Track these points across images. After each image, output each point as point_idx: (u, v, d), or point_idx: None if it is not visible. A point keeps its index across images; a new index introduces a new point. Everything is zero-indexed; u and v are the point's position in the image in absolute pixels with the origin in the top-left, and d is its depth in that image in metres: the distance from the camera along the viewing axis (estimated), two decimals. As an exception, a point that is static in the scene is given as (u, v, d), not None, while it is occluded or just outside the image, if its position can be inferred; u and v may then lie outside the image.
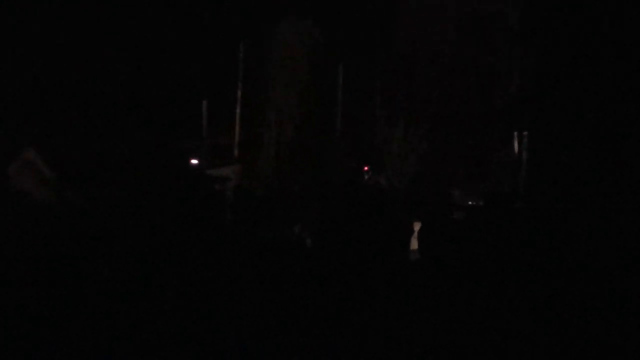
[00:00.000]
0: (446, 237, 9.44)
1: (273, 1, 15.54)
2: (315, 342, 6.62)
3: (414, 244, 9.51)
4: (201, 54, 15.42)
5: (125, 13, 15.32)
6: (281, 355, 6.24)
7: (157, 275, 7.60)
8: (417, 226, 9.59)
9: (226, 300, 7.24)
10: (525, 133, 14.35)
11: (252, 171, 14.41)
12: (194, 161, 14.00)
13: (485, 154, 15.13)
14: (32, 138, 12.55)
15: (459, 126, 15.41)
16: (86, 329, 5.94)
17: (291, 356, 6.27)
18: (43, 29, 14.91)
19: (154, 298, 6.98)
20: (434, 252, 9.15)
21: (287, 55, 14.88)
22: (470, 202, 13.09)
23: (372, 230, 9.67)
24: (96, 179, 11.26)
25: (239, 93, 15.36)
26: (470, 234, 9.55)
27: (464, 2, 16.45)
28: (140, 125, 14.34)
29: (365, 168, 14.41)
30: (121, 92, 14.92)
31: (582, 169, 11.91)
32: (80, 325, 5.99)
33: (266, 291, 7.62)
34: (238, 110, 15.33)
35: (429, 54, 16.08)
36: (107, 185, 10.79)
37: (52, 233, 8.02)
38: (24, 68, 14.42)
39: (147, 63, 14.84)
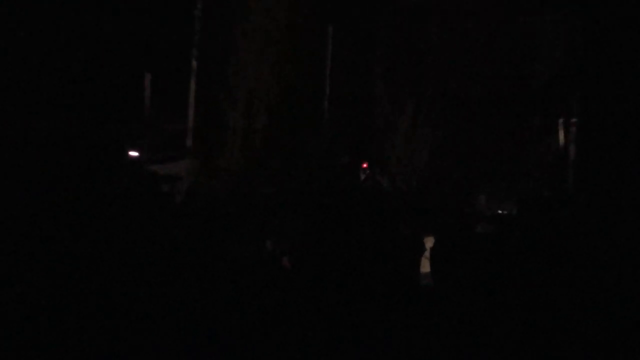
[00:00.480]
0: (468, 257, 9.77)
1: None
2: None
3: (425, 266, 9.88)
4: (142, 9, 15.50)
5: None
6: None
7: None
8: (429, 242, 9.98)
9: (173, 339, 7.54)
10: (572, 120, 14.69)
11: (211, 168, 14.66)
12: (133, 153, 14.27)
13: (519, 148, 15.34)
14: None
15: (485, 111, 15.52)
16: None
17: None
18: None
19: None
20: (451, 277, 9.49)
21: (259, 12, 15.14)
22: (500, 211, 13.47)
23: (370, 247, 9.98)
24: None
25: (194, 63, 15.65)
26: (500, 254, 9.98)
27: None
28: (57, 105, 14.16)
29: (363, 165, 14.68)
30: (32, 62, 14.89)
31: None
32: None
33: (227, 328, 7.88)
34: (192, 86, 15.59)
35: (445, 14, 16.17)
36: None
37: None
38: None
39: (67, 20, 15.05)
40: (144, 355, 7.41)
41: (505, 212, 13.12)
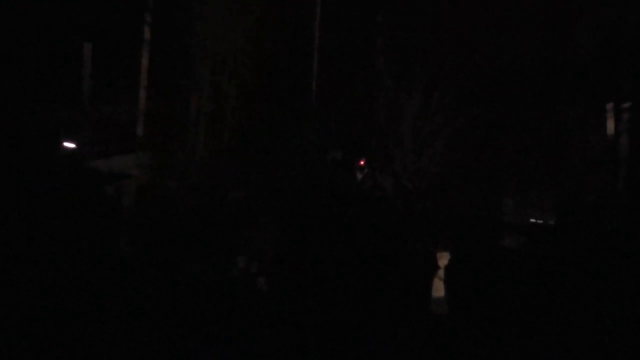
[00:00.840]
0: (491, 278, 9.87)
1: None
2: None
3: (439, 290, 10.13)
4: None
5: None
6: None
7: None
8: (443, 259, 10.19)
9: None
10: (624, 105, 14.78)
11: (169, 164, 14.66)
12: (69, 145, 14.24)
13: (558, 140, 15.48)
14: None
15: (514, 93, 15.66)
16: None
17: None
18: None
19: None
20: (470, 304, 9.71)
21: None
22: (532, 220, 13.78)
23: (369, 266, 10.17)
24: None
25: (147, 33, 15.69)
26: (533, 275, 10.10)
27: None
28: None
29: (360, 162, 14.58)
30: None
31: None
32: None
33: None
34: (145, 63, 15.69)
35: None
36: None
37: None
38: None
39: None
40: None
41: (539, 221, 13.34)
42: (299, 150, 15.24)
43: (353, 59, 16.37)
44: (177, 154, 15.01)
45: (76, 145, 14.84)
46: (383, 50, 15.73)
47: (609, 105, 15.25)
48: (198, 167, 14.40)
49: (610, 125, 15.27)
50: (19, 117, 14.30)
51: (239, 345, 8.84)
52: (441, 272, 10.23)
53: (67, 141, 14.34)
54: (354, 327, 9.19)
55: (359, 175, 14.47)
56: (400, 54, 15.54)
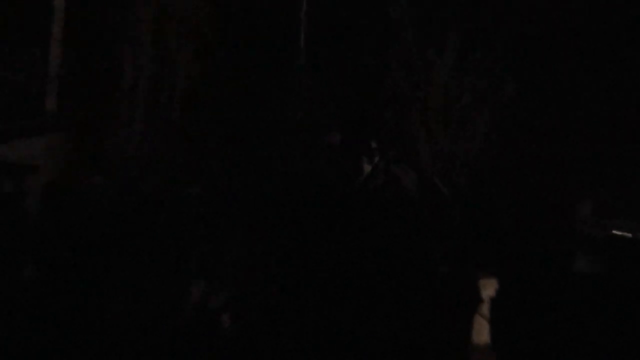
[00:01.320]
0: (559, 316, 9.75)
1: None
2: None
3: (482, 332, 9.98)
4: None
5: None
6: None
7: None
8: (489, 289, 10.05)
9: None
10: None
11: (94, 150, 14.63)
12: None
13: None
14: None
15: (587, 58, 15.85)
16: None
17: None
18: None
19: None
20: (527, 353, 9.62)
21: None
22: (616, 232, 13.31)
23: (382, 296, 9.94)
24: None
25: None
26: (618, 311, 9.94)
27: None
28: None
29: (368, 148, 14.24)
30: None
31: None
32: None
33: None
34: (59, 5, 15.78)
35: None
36: None
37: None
38: None
39: None
40: None
41: (627, 234, 12.91)
42: (281, 131, 15.20)
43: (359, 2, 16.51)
44: (108, 138, 14.96)
45: None
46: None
47: None
48: (134, 155, 14.37)
49: None
50: None
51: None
52: (486, 307, 9.76)
53: None
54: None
55: (367, 167, 14.39)
56: None
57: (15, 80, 15.47)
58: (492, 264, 10.41)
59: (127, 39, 14.89)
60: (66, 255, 11.01)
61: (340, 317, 9.58)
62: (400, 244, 10.88)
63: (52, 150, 14.29)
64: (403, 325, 9.70)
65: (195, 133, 15.04)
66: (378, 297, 9.88)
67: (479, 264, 10.52)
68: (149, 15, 14.74)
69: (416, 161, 14.49)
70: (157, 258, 10.81)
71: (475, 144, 14.56)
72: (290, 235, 10.73)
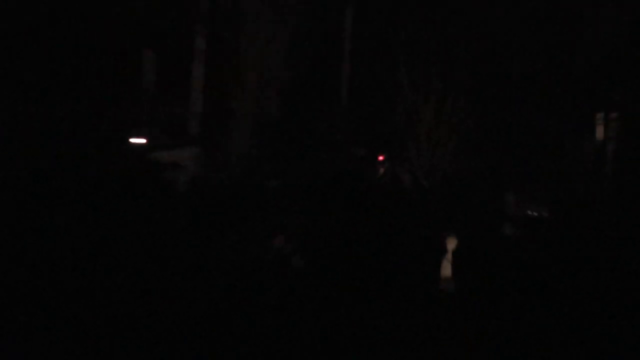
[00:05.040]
0: (493, 259, 10.12)
1: None
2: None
3: (447, 269, 9.98)
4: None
5: None
6: None
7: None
8: (451, 244, 10.08)
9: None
10: (613, 115, 14.67)
11: (217, 157, 14.64)
12: (139, 141, 14.47)
13: (554, 143, 15.35)
14: None
15: (517, 102, 15.61)
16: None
17: None
18: None
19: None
20: (475, 281, 9.72)
21: None
22: (529, 212, 13.46)
23: (388, 247, 10.28)
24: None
25: (200, 42, 15.61)
26: (529, 260, 10.32)
27: None
28: (50, 89, 14.30)
29: (380, 157, 14.63)
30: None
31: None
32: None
33: (235, 336, 7.84)
34: (200, 69, 15.58)
35: None
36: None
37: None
38: None
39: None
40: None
41: (535, 213, 13.19)
42: (331, 147, 15.28)
43: (378, 69, 16.19)
44: (225, 148, 14.83)
45: (146, 140, 14.77)
46: (404, 63, 15.51)
47: (599, 115, 15.05)
48: (241, 161, 14.52)
49: (600, 132, 15.10)
50: (92, 119, 13.94)
51: (275, 317, 8.49)
52: (449, 255, 10.09)
53: (137, 138, 14.60)
54: (374, 294, 9.04)
55: (381, 170, 14.77)
56: (418, 65, 15.34)
57: (173, 113, 15.43)
58: (454, 229, 10.46)
59: (238, 90, 14.69)
60: (201, 217, 11.17)
61: (367, 258, 9.83)
62: (399, 217, 11.37)
63: (194, 157, 14.20)
64: (403, 262, 9.91)
65: (279, 147, 14.85)
66: (387, 245, 10.25)
67: (446, 228, 10.63)
68: (251, 76, 14.57)
69: (410, 167, 14.43)
70: (255, 222, 10.96)
71: (447, 158, 14.28)
72: (334, 209, 11.22)
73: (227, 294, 9.01)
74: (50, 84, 14.29)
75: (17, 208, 10.48)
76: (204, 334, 7.81)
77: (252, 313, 8.42)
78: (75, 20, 14.72)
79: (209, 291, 8.97)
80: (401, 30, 15.58)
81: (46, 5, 14.55)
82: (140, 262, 9.45)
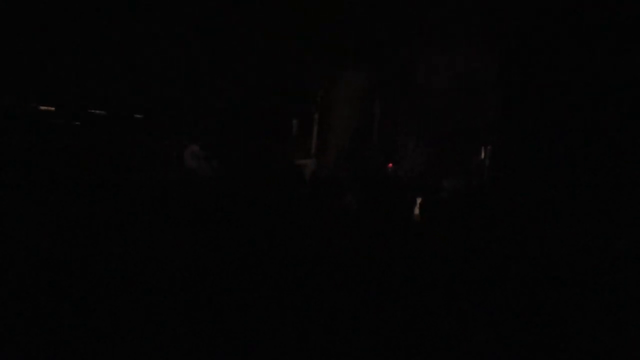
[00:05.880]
0: (437, 205, 11.66)
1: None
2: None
3: (417, 211, 11.68)
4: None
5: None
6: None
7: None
8: (420, 205, 11.91)
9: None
10: (488, 147, 16.48)
11: (321, 164, 17.59)
12: (305, 161, 16.27)
13: (464, 159, 17.38)
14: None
15: (450, 139, 17.50)
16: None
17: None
18: None
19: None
20: (431, 215, 11.42)
21: (351, 93, 18.00)
22: (449, 186, 14.86)
23: (391, 202, 11.65)
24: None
25: (316, 116, 18.90)
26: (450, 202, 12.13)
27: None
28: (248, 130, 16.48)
29: (390, 165, 17.48)
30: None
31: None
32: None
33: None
34: (315, 128, 18.92)
35: (429, 69, 17.60)
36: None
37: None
38: None
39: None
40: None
41: (451, 187, 14.82)
42: (368, 159, 17.96)
43: (387, 121, 18.46)
44: (323, 160, 17.69)
45: (312, 161, 16.89)
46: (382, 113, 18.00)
47: (486, 147, 16.49)
48: (331, 165, 17.46)
49: (482, 154, 16.51)
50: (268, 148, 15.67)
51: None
52: (418, 204, 11.83)
53: (301, 159, 16.61)
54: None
55: (390, 171, 17.10)
56: (398, 120, 17.66)
57: (302, 143, 17.58)
58: (425, 200, 11.71)
59: (330, 134, 17.78)
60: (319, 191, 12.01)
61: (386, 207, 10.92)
62: (397, 190, 12.67)
63: (313, 163, 16.77)
64: (397, 208, 11.12)
65: (348, 157, 17.53)
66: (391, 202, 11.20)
67: (417, 194, 11.99)
68: (336, 130, 17.71)
69: (404, 169, 17.27)
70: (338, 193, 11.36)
71: (419, 166, 17.32)
72: (370, 189, 12.31)
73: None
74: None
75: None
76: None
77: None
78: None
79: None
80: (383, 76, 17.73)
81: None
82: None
